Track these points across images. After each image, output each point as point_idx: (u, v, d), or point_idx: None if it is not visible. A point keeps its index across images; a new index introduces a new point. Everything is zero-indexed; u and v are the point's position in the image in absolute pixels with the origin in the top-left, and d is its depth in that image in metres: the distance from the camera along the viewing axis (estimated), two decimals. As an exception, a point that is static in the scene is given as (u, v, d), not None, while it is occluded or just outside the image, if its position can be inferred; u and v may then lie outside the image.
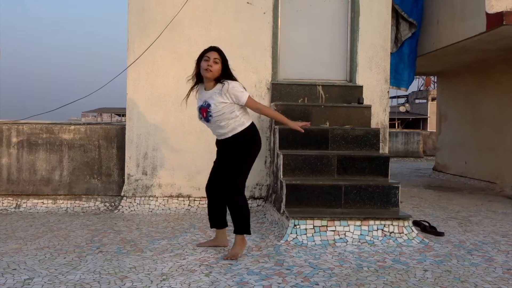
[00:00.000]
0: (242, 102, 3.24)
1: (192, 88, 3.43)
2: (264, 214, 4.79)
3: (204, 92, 3.32)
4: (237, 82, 3.28)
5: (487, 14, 5.32)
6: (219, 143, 3.50)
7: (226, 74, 3.26)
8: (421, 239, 3.75)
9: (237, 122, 3.29)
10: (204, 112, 3.26)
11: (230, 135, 3.31)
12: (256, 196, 5.15)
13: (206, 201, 3.65)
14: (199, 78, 3.36)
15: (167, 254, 3.34)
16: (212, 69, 3.19)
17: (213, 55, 3.22)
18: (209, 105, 3.22)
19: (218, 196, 3.47)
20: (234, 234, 3.36)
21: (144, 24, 5.11)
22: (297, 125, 3.43)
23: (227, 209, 3.42)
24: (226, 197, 3.35)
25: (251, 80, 5.16)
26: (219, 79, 3.25)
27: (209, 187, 3.55)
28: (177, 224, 4.34)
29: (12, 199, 5.13)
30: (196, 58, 3.33)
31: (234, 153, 3.32)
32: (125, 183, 5.13)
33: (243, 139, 3.32)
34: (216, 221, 3.55)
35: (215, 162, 3.56)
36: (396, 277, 2.90)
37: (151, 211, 4.99)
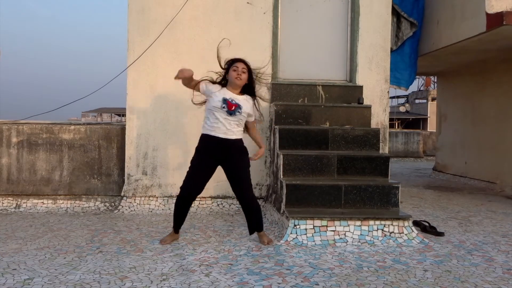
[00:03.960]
0: (252, 118, 3.76)
1: (216, 82, 3.73)
2: (264, 214, 4.79)
3: (228, 92, 3.66)
4: (256, 107, 3.79)
5: (487, 14, 5.32)
6: (219, 143, 3.58)
7: (251, 81, 3.74)
8: (421, 239, 3.75)
9: (242, 131, 3.74)
10: (234, 107, 3.59)
11: (235, 137, 3.65)
12: (256, 196, 5.14)
13: (182, 207, 3.69)
14: (223, 80, 3.74)
15: (167, 254, 3.34)
16: (242, 78, 3.64)
17: (241, 65, 3.65)
18: (239, 105, 3.61)
19: (193, 200, 3.73)
20: (257, 232, 3.76)
21: (144, 24, 5.12)
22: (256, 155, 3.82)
23: (248, 211, 3.75)
24: (252, 199, 3.72)
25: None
26: (246, 88, 3.72)
27: (194, 194, 3.68)
28: (177, 224, 4.33)
29: (12, 199, 5.13)
30: (224, 64, 3.72)
31: (243, 157, 3.70)
32: (125, 183, 5.13)
33: (245, 147, 3.73)
34: (182, 223, 3.78)
35: (199, 169, 3.64)
36: (396, 277, 2.90)
37: (151, 211, 5.00)
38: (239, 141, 3.68)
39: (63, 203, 5.13)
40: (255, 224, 3.75)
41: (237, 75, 3.61)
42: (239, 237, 3.88)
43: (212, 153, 3.62)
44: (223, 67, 3.71)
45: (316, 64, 5.42)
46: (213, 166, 3.69)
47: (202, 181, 3.68)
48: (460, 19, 6.02)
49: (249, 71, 3.69)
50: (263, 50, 5.21)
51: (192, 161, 3.69)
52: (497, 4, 5.25)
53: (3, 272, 2.88)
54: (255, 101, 3.77)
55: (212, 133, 3.59)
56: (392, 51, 6.14)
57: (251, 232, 3.81)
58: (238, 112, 3.59)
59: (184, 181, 3.68)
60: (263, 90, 3.85)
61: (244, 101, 3.66)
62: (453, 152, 8.95)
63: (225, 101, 3.57)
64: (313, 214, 3.79)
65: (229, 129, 3.60)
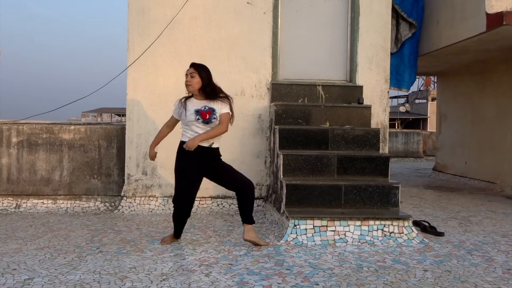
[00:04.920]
0: (222, 111, 3.54)
1: (187, 98, 3.63)
2: (264, 214, 4.79)
3: (198, 101, 3.57)
4: (228, 103, 3.59)
5: (487, 14, 5.32)
6: (201, 151, 3.52)
7: (207, 83, 3.55)
8: (421, 239, 3.75)
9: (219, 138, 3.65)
10: (208, 114, 3.49)
11: (215, 146, 3.59)
12: (256, 196, 5.12)
13: (180, 217, 3.65)
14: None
15: (167, 254, 3.34)
16: (192, 83, 3.53)
17: (190, 70, 3.56)
18: (213, 109, 3.50)
19: (190, 207, 3.64)
20: (245, 224, 3.63)
21: (144, 24, 5.12)
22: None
23: (249, 197, 3.66)
24: (251, 190, 3.65)
25: (251, 80, 5.17)
26: (205, 91, 3.54)
27: (189, 202, 3.60)
28: (177, 224, 4.33)
29: (12, 199, 5.13)
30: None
31: (221, 160, 3.69)
32: (125, 183, 5.13)
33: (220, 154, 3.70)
34: (181, 230, 3.75)
35: (192, 176, 3.57)
36: (396, 277, 2.90)
37: (151, 211, 5.00)
38: (217, 149, 3.65)
39: (63, 203, 5.13)
40: (249, 214, 3.64)
41: (186, 81, 3.53)
42: (239, 237, 3.88)
43: (196, 161, 3.53)
44: None
45: (316, 64, 5.42)
46: (201, 173, 3.61)
47: (196, 191, 3.60)
48: (460, 19, 6.02)
49: (201, 72, 3.51)
50: (263, 50, 5.21)
51: (179, 172, 3.56)
52: (497, 4, 5.25)
53: (3, 272, 2.88)
54: (228, 100, 3.57)
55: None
56: (392, 53, 6.14)
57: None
58: (214, 117, 3.50)
59: (176, 196, 3.58)
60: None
61: (214, 103, 3.54)
62: (453, 152, 8.95)
63: (197, 112, 3.49)
64: (313, 214, 3.79)
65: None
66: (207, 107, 3.51)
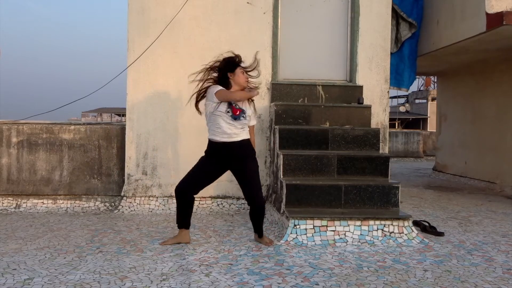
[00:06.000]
0: (253, 122, 3.75)
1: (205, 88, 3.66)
2: (264, 214, 4.78)
3: None
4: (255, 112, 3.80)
5: (487, 14, 5.32)
6: (223, 147, 3.55)
7: None
8: (421, 239, 3.76)
9: (246, 131, 3.68)
10: (238, 112, 3.56)
11: (240, 138, 3.58)
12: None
13: (179, 203, 3.69)
14: (223, 83, 3.63)
15: (167, 254, 3.34)
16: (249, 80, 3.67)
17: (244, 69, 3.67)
18: (243, 110, 3.59)
19: (192, 198, 3.70)
20: (259, 238, 3.72)
21: (144, 24, 5.12)
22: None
23: (254, 214, 3.69)
24: (261, 204, 3.65)
25: (251, 80, 5.15)
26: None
27: (190, 191, 3.66)
28: (177, 224, 4.33)
29: (12, 199, 5.13)
30: (218, 64, 3.68)
31: (251, 161, 3.63)
32: (125, 183, 5.13)
33: (251, 148, 3.68)
34: (189, 221, 3.75)
35: (201, 168, 3.64)
36: (396, 277, 2.90)
37: (151, 211, 5.00)
38: (246, 141, 3.62)
39: (63, 203, 5.13)
40: (260, 226, 3.72)
41: (246, 78, 3.63)
42: (239, 237, 3.88)
43: (217, 158, 3.60)
44: (213, 67, 3.66)
45: (316, 64, 5.42)
46: (217, 170, 3.66)
47: (200, 181, 3.66)
48: (460, 19, 6.02)
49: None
50: (263, 50, 5.20)
51: (199, 160, 3.69)
52: (497, 4, 5.25)
53: (3, 272, 2.88)
54: (252, 101, 3.74)
55: (217, 138, 3.55)
56: (392, 53, 6.14)
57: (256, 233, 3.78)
58: (243, 117, 3.56)
59: (184, 176, 3.70)
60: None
61: (246, 104, 3.64)
62: (453, 152, 8.95)
63: (229, 105, 3.53)
64: (313, 214, 3.79)
65: (233, 132, 3.55)
66: (238, 105, 3.57)
